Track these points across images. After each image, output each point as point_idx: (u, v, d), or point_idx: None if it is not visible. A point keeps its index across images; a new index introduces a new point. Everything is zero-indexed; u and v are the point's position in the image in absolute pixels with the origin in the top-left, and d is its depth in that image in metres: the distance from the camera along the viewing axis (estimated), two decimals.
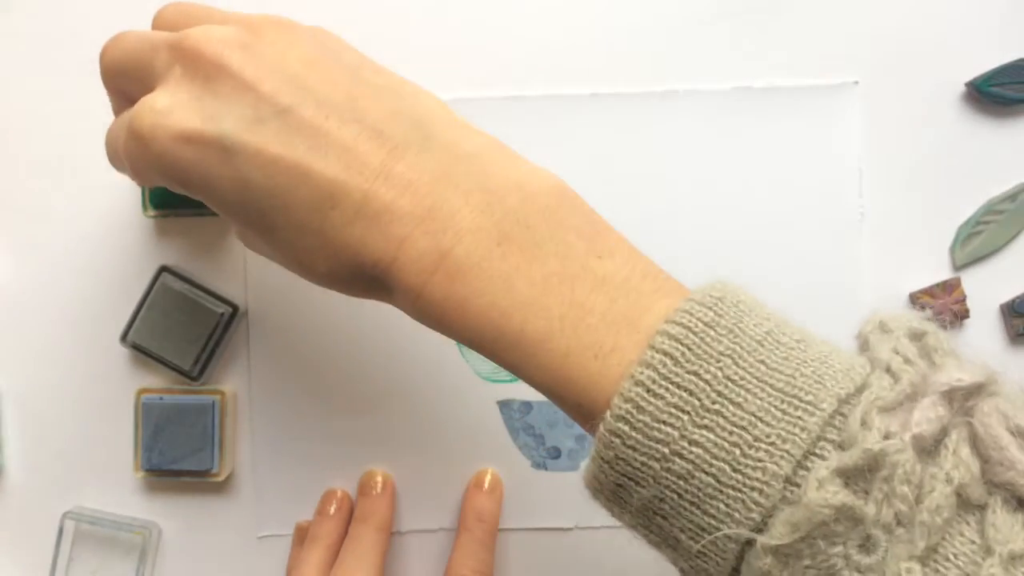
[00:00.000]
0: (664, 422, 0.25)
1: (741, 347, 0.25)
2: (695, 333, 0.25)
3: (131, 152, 0.29)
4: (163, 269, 0.42)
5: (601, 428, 0.25)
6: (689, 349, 0.25)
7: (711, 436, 0.24)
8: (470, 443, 0.43)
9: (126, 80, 0.32)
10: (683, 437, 0.24)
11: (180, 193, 0.30)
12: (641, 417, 0.25)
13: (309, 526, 0.42)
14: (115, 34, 0.33)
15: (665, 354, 0.25)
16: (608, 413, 0.25)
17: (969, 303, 0.42)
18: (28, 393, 0.43)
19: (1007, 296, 0.42)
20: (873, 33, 0.42)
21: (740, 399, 0.24)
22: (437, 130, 0.29)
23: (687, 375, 0.25)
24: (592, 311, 0.26)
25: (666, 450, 0.25)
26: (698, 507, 0.25)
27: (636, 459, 0.25)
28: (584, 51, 0.43)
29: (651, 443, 0.25)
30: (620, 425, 0.25)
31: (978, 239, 0.42)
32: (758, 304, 0.27)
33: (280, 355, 0.43)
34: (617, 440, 0.25)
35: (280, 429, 0.43)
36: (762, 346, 0.25)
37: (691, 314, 0.25)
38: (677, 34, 0.43)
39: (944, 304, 0.42)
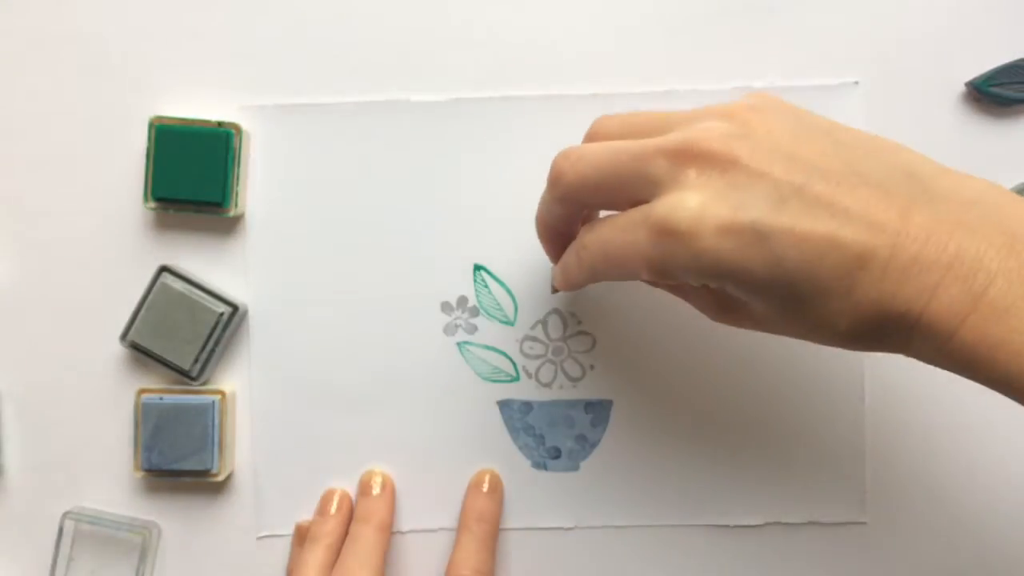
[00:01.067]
0: None
1: None
2: None
3: (662, 251, 0.30)
4: (163, 269, 0.42)
5: None
6: None
7: None
8: (470, 443, 0.43)
9: (605, 194, 0.33)
10: None
11: (708, 283, 0.31)
12: None
13: (309, 526, 0.42)
14: (567, 151, 0.34)
15: None
16: None
17: None
18: (28, 393, 0.43)
19: None
20: (873, 33, 0.42)
21: None
22: (930, 180, 0.30)
23: None
24: None
25: None
26: None
27: None
28: (584, 51, 0.43)
29: None
30: None
31: None
32: None
33: (280, 355, 0.43)
34: None
35: (280, 429, 0.43)
36: None
37: None
38: (677, 34, 0.43)
39: None
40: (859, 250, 0.28)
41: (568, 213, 0.36)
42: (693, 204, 0.30)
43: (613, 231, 0.33)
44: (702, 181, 0.30)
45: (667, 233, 0.30)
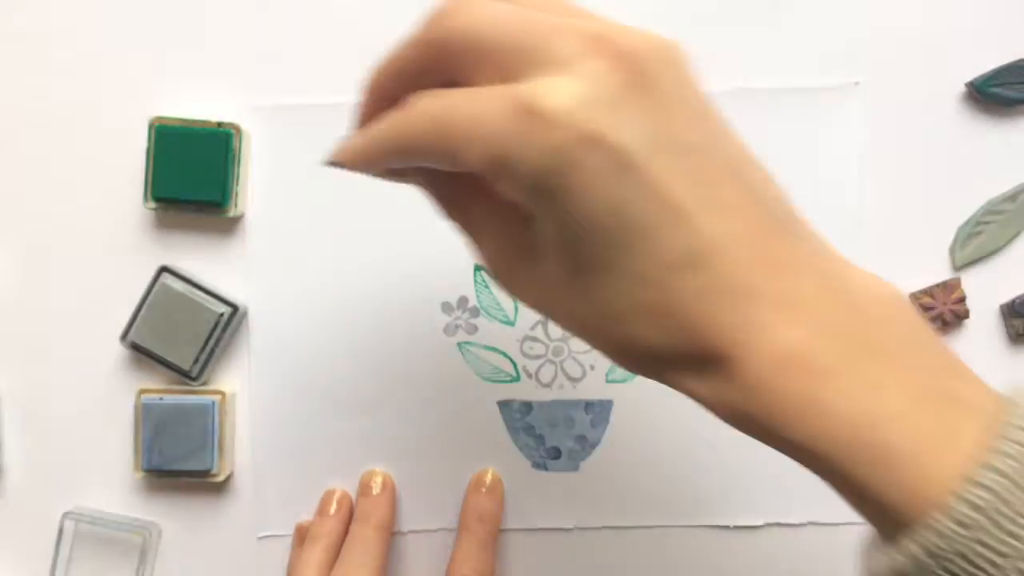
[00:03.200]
0: None
1: None
2: None
3: (513, 133, 0.24)
4: (163, 269, 0.42)
5: (937, 515, 0.23)
6: None
7: None
8: (470, 443, 0.43)
9: (488, 56, 0.26)
10: None
11: (530, 200, 0.26)
12: (1002, 508, 0.23)
13: (309, 526, 0.42)
14: (457, 2, 0.27)
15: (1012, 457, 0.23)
16: (951, 497, 0.23)
17: (969, 303, 0.42)
18: (28, 393, 0.43)
19: (1007, 296, 0.42)
20: (873, 33, 0.42)
21: None
22: (802, 219, 0.27)
23: None
24: (959, 433, 0.24)
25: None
26: None
27: (981, 555, 0.23)
28: None
29: (1009, 539, 0.23)
30: (972, 513, 0.23)
31: (978, 239, 0.42)
32: None
33: (280, 355, 0.43)
34: (963, 531, 0.23)
35: (280, 429, 0.43)
36: None
37: None
38: (677, 34, 0.43)
39: (944, 304, 0.42)
40: (700, 246, 0.24)
41: (423, 68, 0.28)
42: (578, 93, 0.24)
43: (463, 97, 0.26)
44: (605, 82, 0.25)
45: (531, 112, 0.24)
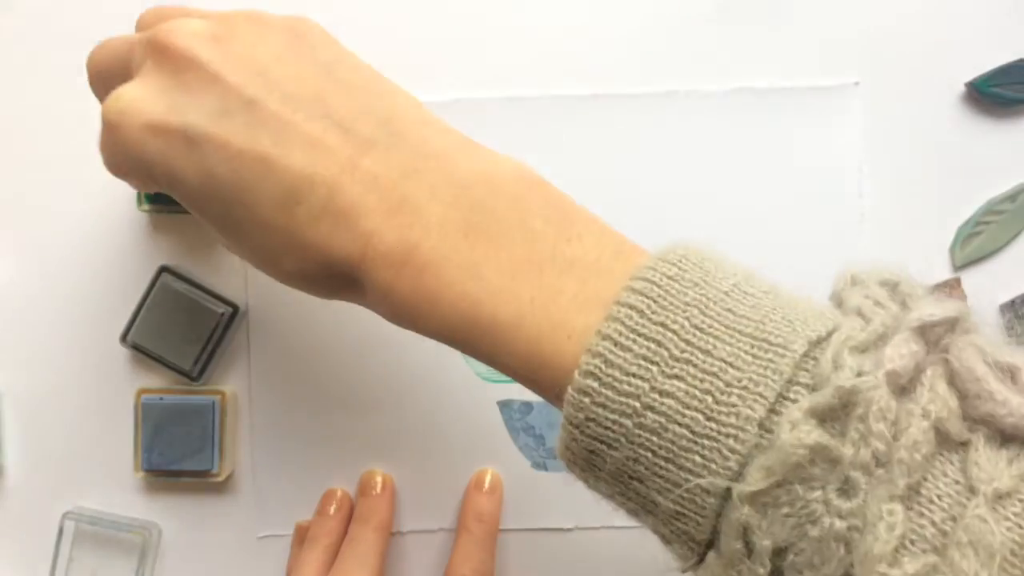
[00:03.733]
0: (633, 375, 0.24)
1: (707, 297, 0.25)
2: (659, 286, 0.25)
3: (103, 142, 0.30)
4: (163, 269, 0.42)
5: (569, 390, 0.25)
6: (655, 301, 0.25)
7: (682, 385, 0.24)
8: (470, 443, 0.43)
9: (110, 80, 0.31)
10: (653, 389, 0.24)
11: (151, 188, 0.30)
12: (609, 371, 0.24)
13: (309, 526, 0.42)
14: (101, 41, 0.33)
15: (631, 307, 0.25)
16: (576, 372, 0.25)
17: (969, 303, 0.42)
18: (28, 393, 0.43)
19: (1007, 296, 0.42)
20: (873, 33, 0.42)
21: (709, 346, 0.24)
22: (406, 128, 0.29)
23: (654, 326, 0.24)
24: (562, 293, 0.26)
25: (637, 404, 0.24)
26: (673, 462, 0.24)
27: (607, 417, 0.25)
28: (584, 51, 0.43)
29: (621, 398, 0.24)
30: (588, 382, 0.25)
31: (978, 239, 0.42)
32: (724, 260, 0.27)
33: (280, 355, 0.43)
34: (586, 399, 0.25)
35: (280, 429, 0.43)
36: (729, 296, 0.25)
37: (655, 269, 0.25)
38: (677, 34, 0.43)
39: None
40: (294, 182, 0.27)
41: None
42: (128, 96, 0.29)
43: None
44: (153, 75, 0.29)
45: (104, 124, 0.29)
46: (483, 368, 0.43)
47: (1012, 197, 0.42)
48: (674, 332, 0.24)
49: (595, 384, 0.25)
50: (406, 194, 0.27)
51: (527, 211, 0.28)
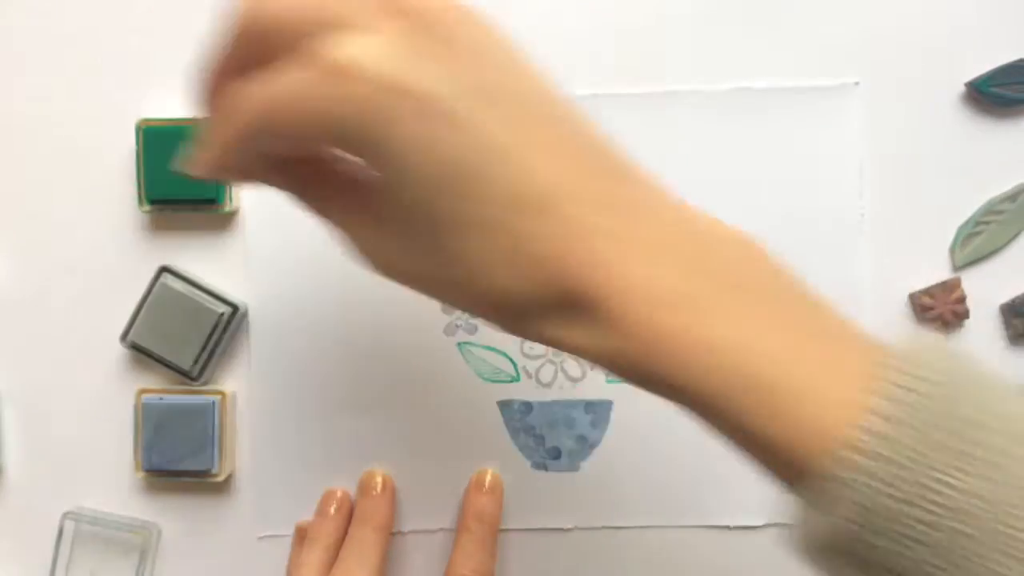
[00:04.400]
0: (932, 467, 0.22)
1: (990, 391, 0.23)
2: (941, 374, 0.23)
3: (327, 94, 0.25)
4: (163, 269, 0.42)
5: (843, 471, 0.22)
6: (941, 387, 0.23)
7: (988, 486, 0.22)
8: (470, 443, 0.43)
9: (294, 33, 0.26)
10: (956, 488, 0.22)
11: (358, 151, 0.26)
12: (901, 457, 0.22)
13: (309, 526, 0.42)
14: None
15: (919, 392, 0.23)
16: (853, 452, 0.22)
17: (969, 303, 0.42)
18: (28, 393, 0.43)
19: (1007, 296, 0.42)
20: (873, 33, 0.42)
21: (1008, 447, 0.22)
22: (635, 165, 0.27)
23: (951, 419, 0.22)
24: (832, 360, 0.24)
25: (937, 500, 0.22)
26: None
27: (894, 510, 0.22)
28: (584, 52, 0.43)
29: (918, 491, 0.22)
30: (876, 464, 0.22)
31: (978, 239, 0.42)
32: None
33: (280, 355, 0.43)
34: (872, 484, 0.22)
35: (280, 429, 0.43)
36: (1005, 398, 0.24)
37: (930, 354, 0.24)
38: (677, 34, 0.43)
39: (944, 304, 0.42)
40: (543, 189, 0.24)
41: (243, 62, 0.27)
42: (374, 47, 0.24)
43: (279, 75, 0.26)
44: (403, 38, 0.25)
45: (334, 70, 0.24)
46: (483, 368, 0.43)
47: (1012, 197, 0.42)
48: (979, 425, 0.22)
49: (885, 468, 0.22)
50: (655, 230, 0.25)
51: (783, 276, 0.26)
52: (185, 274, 0.42)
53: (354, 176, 0.29)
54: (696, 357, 0.24)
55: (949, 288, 0.42)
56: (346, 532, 0.42)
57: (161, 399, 0.42)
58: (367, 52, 0.24)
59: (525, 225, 0.24)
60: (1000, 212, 0.42)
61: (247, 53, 0.27)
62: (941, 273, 0.42)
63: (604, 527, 0.43)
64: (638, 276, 0.24)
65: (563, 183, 0.25)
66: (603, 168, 0.26)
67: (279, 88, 0.25)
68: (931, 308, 0.42)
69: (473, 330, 0.43)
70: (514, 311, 0.26)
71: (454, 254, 0.26)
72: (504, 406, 0.43)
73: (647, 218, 0.25)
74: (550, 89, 0.27)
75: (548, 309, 0.25)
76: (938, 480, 0.22)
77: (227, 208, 0.42)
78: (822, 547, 0.24)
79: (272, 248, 0.43)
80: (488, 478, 0.43)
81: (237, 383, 0.43)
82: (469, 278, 0.26)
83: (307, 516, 0.43)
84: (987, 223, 0.42)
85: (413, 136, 0.24)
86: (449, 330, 0.43)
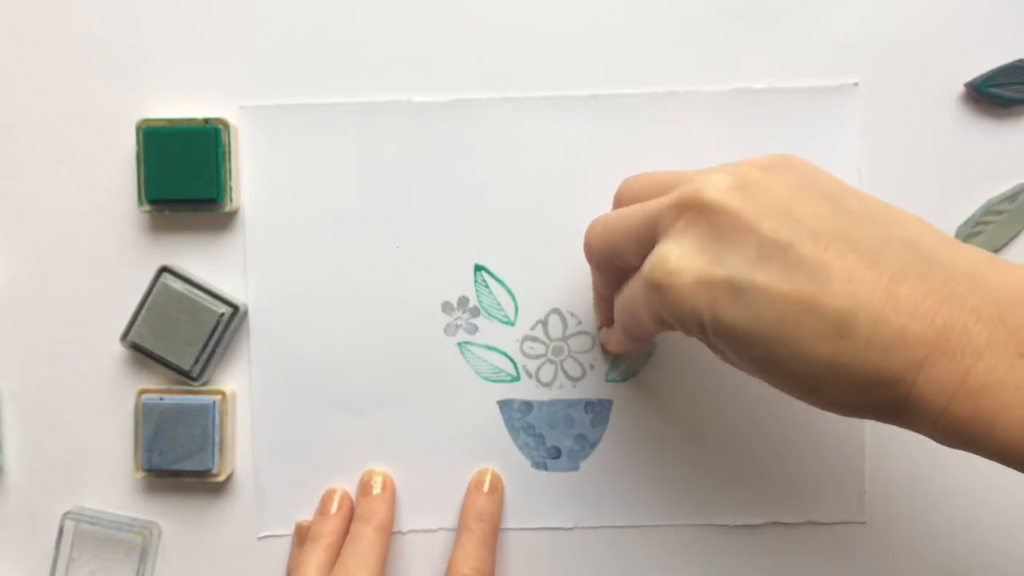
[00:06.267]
0: None
1: None
2: None
3: (650, 303, 0.32)
4: (163, 269, 0.42)
5: None
6: None
7: None
8: (470, 443, 0.43)
9: (627, 255, 0.34)
10: None
11: (699, 335, 0.31)
12: None
13: (309, 526, 0.42)
14: (593, 221, 0.36)
15: None
16: None
17: None
18: (28, 393, 0.43)
19: None
20: (873, 33, 0.42)
21: None
22: (931, 251, 0.29)
23: None
24: None
25: None
26: None
27: None
28: (584, 52, 0.43)
29: None
30: None
31: (978, 239, 0.42)
32: None
33: (280, 355, 0.43)
34: None
35: (280, 429, 0.43)
36: None
37: None
38: (677, 35, 0.43)
39: None
40: (837, 318, 0.28)
41: (606, 279, 0.37)
42: (672, 256, 0.30)
43: (627, 290, 0.35)
44: (688, 231, 0.30)
45: (652, 287, 0.31)
46: (484, 368, 0.43)
47: (1012, 197, 0.42)
48: None
49: None
50: (949, 319, 0.27)
51: None
52: (185, 274, 0.42)
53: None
54: (998, 434, 0.27)
55: None
56: (346, 532, 0.42)
57: (161, 399, 0.42)
58: (676, 260, 0.30)
59: (833, 352, 0.28)
60: (1000, 212, 0.42)
61: (605, 272, 0.37)
62: None
63: (604, 526, 0.43)
64: (935, 370, 0.27)
65: (856, 304, 0.28)
66: (888, 267, 0.28)
67: (627, 299, 0.35)
68: None
69: (473, 330, 0.43)
70: (850, 412, 0.30)
71: (786, 381, 0.30)
72: (504, 406, 0.43)
73: (937, 303, 0.28)
74: (827, 212, 0.30)
75: (874, 410, 0.29)
76: None
77: (227, 208, 0.42)
78: None
79: (272, 248, 0.43)
80: (488, 478, 0.43)
81: (237, 383, 0.43)
82: (805, 393, 0.30)
83: (307, 516, 0.43)
84: (987, 223, 0.42)
85: (728, 313, 0.29)
86: (449, 330, 0.43)
